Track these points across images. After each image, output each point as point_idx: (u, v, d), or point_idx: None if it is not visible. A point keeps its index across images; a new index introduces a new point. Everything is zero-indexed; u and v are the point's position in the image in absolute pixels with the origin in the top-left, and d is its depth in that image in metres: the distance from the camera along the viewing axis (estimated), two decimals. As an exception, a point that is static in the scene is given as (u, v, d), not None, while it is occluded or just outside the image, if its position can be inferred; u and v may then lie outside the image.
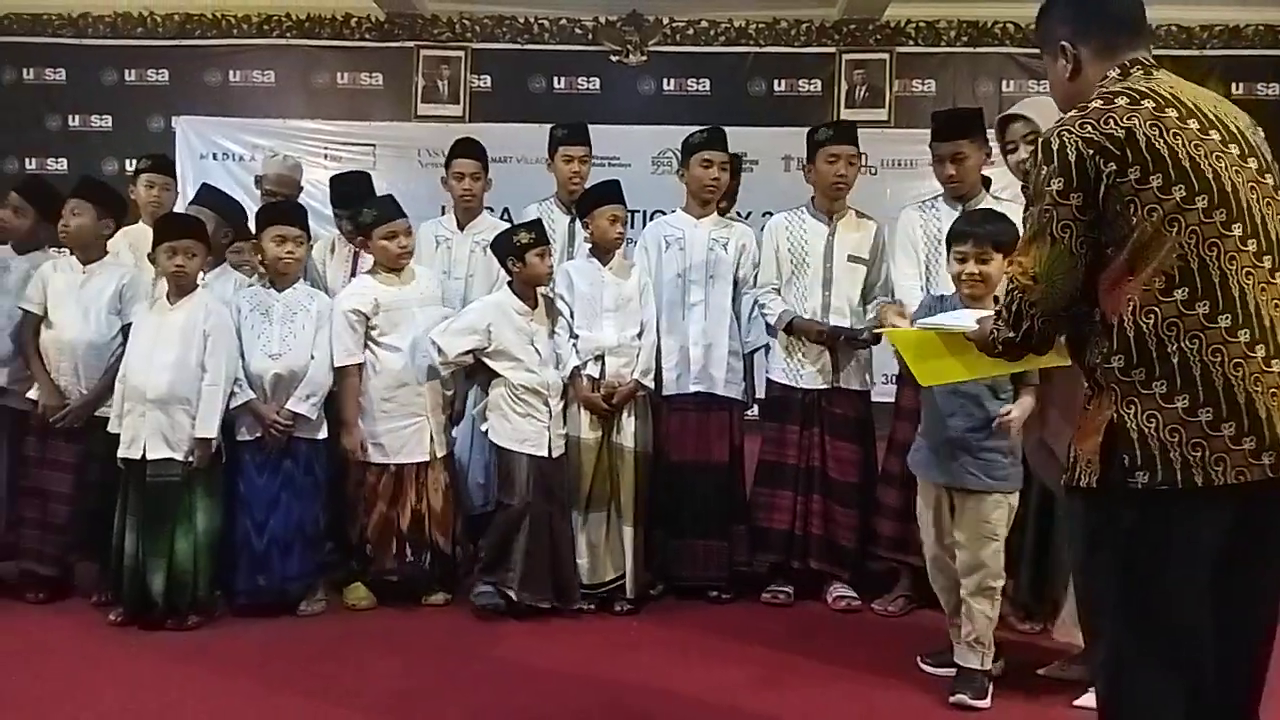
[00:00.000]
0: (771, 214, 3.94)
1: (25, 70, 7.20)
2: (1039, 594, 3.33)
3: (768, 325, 3.73)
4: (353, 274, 3.93)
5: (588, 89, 7.10)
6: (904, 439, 3.29)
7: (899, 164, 6.53)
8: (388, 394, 3.52)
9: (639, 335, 3.59)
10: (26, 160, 7.11)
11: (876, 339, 3.51)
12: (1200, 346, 1.59)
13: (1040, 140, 1.73)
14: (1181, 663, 1.62)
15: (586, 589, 3.52)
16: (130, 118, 7.12)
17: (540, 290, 3.60)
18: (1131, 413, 1.62)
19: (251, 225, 3.82)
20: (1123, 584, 1.65)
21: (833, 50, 7.05)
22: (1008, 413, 2.74)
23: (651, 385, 3.62)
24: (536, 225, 3.61)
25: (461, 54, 7.14)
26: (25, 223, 3.71)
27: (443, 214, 4.34)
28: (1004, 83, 6.93)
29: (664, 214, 4.12)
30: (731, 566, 3.68)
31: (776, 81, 7.08)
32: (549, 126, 4.13)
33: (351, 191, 4.00)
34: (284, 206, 3.80)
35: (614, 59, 7.09)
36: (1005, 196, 3.60)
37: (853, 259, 3.67)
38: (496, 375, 3.50)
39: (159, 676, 2.92)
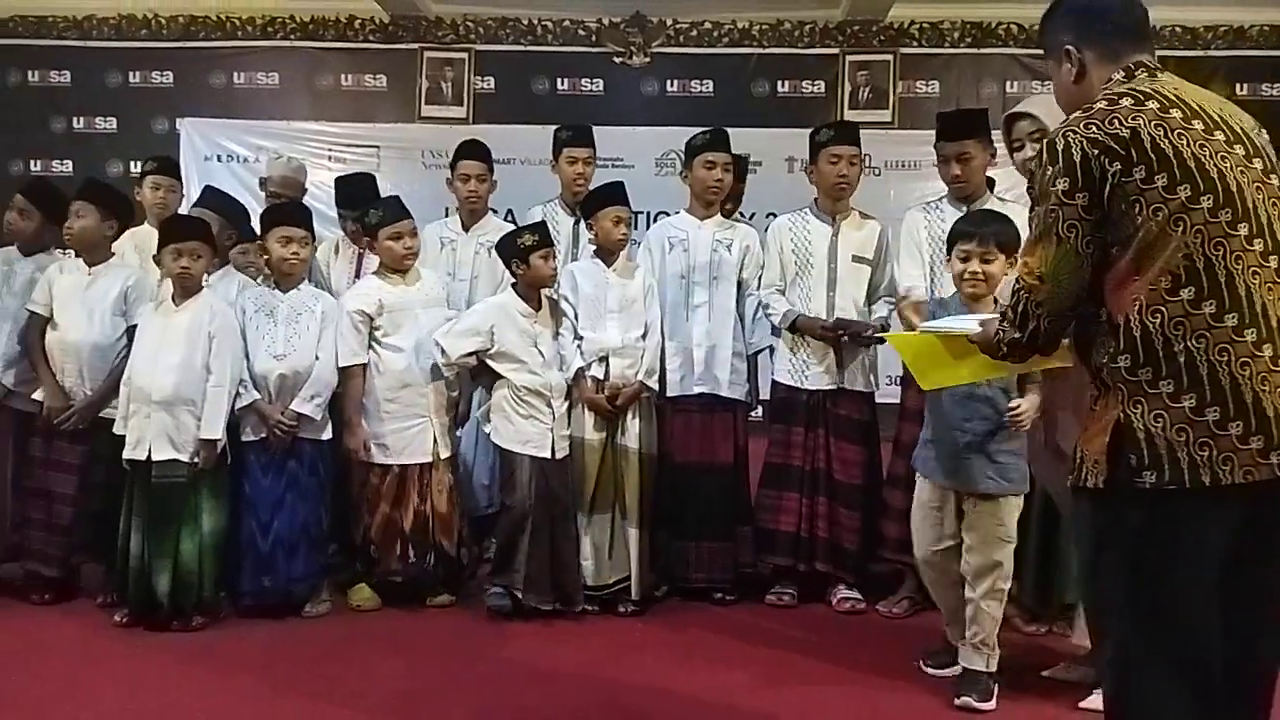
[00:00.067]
0: (775, 215, 3.94)
1: (30, 72, 7.22)
2: (1044, 596, 3.34)
3: (773, 326, 3.73)
4: (357, 275, 3.94)
5: (591, 90, 7.10)
6: (909, 440, 3.29)
7: (902, 165, 6.53)
8: (391, 395, 3.52)
9: (643, 336, 3.59)
10: (31, 162, 7.12)
11: (880, 339, 3.52)
12: (1207, 345, 1.59)
13: (1045, 141, 1.74)
14: (1189, 663, 1.62)
15: (591, 591, 3.52)
16: (135, 120, 7.13)
17: (544, 292, 3.60)
18: (1138, 412, 1.62)
19: (256, 226, 3.83)
20: (1130, 584, 1.65)
21: (836, 51, 7.05)
22: (1017, 406, 2.74)
23: (656, 387, 3.62)
24: (541, 227, 3.62)
25: (465, 56, 7.15)
26: (31, 225, 3.72)
27: (447, 215, 4.36)
28: (1008, 84, 6.92)
29: (668, 215, 4.14)
30: (736, 568, 3.68)
31: (780, 83, 7.07)
32: (553, 128, 4.14)
33: (356, 193, 4.01)
34: (289, 207, 3.81)
35: (617, 60, 7.09)
36: (1009, 197, 3.60)
37: (857, 259, 3.67)
38: (500, 377, 3.50)
39: (163, 677, 2.92)
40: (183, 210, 3.97)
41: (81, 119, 7.18)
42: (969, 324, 2.07)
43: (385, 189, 4.14)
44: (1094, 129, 1.65)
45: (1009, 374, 2.66)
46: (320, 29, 7.15)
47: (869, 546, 3.64)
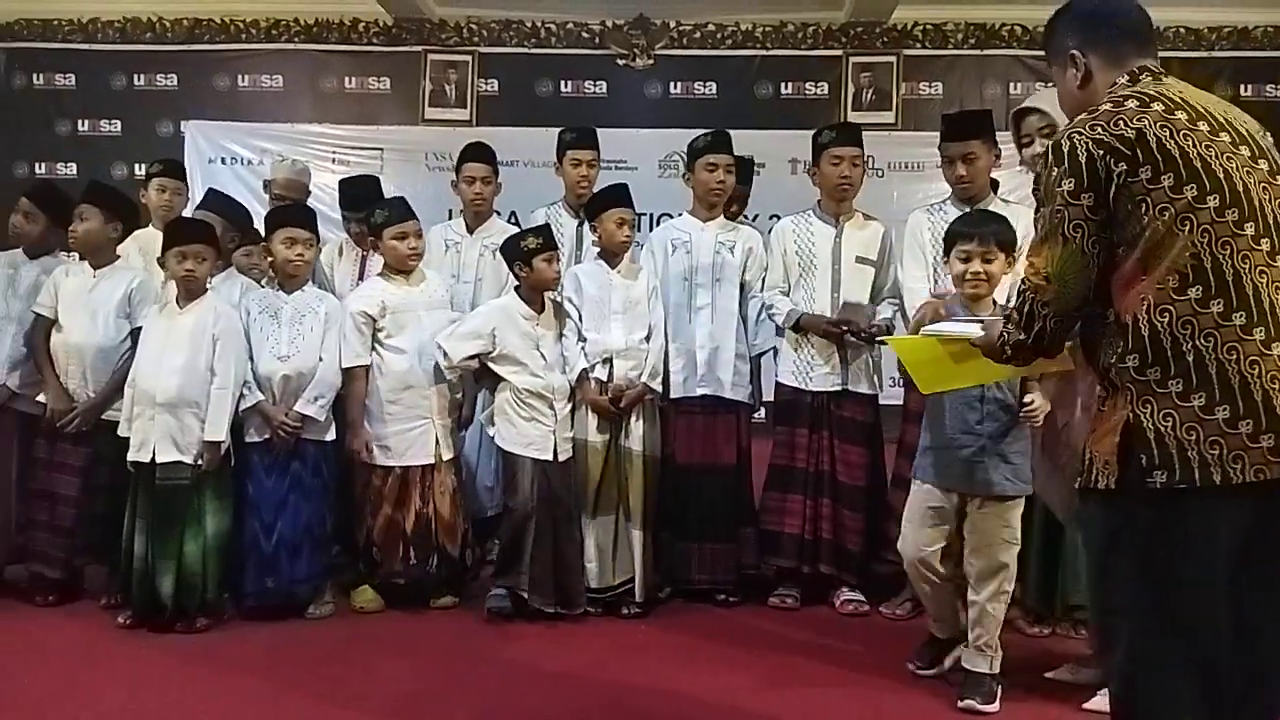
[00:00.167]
0: (778, 217, 3.95)
1: (35, 75, 7.25)
2: (1047, 598, 3.33)
3: (777, 326, 3.73)
4: (360, 277, 3.95)
5: (594, 93, 7.12)
6: (913, 442, 3.27)
7: (906, 166, 6.53)
8: (393, 396, 3.53)
9: (647, 338, 3.59)
10: (36, 165, 7.15)
11: (882, 341, 3.52)
12: (1215, 344, 1.59)
13: (1051, 143, 1.75)
14: (1198, 664, 1.61)
15: (595, 593, 3.52)
16: (139, 123, 7.16)
17: (548, 294, 3.61)
18: (1148, 412, 1.62)
19: (259, 229, 3.84)
20: (1140, 585, 1.65)
21: (839, 53, 7.05)
22: (1031, 402, 2.73)
23: (659, 389, 3.62)
24: (544, 230, 3.62)
25: (469, 58, 7.17)
26: (36, 228, 3.72)
27: (450, 218, 4.36)
28: (1011, 85, 6.92)
29: (671, 217, 4.13)
30: (739, 570, 3.68)
31: (783, 85, 7.08)
32: (556, 130, 4.14)
33: (360, 195, 4.01)
34: (293, 209, 3.82)
35: (621, 63, 7.10)
36: (1013, 199, 3.60)
37: (860, 260, 3.67)
38: (502, 379, 3.50)
39: (166, 679, 2.93)
40: (186, 213, 3.97)
41: (86, 122, 7.21)
42: (970, 327, 2.06)
43: (389, 191, 4.15)
44: (1099, 130, 1.66)
45: (1009, 378, 2.65)
46: (324, 32, 7.17)
47: (872, 548, 3.63)
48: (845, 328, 3.55)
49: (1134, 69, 1.78)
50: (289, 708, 2.75)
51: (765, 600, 3.65)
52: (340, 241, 4.12)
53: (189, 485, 3.29)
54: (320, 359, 3.49)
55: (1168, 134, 1.64)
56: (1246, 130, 1.72)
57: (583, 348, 3.55)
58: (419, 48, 7.17)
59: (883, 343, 3.53)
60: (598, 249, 3.70)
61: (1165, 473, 1.60)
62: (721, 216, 3.83)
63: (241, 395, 3.38)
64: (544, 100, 7.07)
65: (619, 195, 3.63)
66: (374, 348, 3.56)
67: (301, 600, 3.45)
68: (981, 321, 2.08)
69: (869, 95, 7.03)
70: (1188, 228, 1.61)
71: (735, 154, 3.86)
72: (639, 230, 3.84)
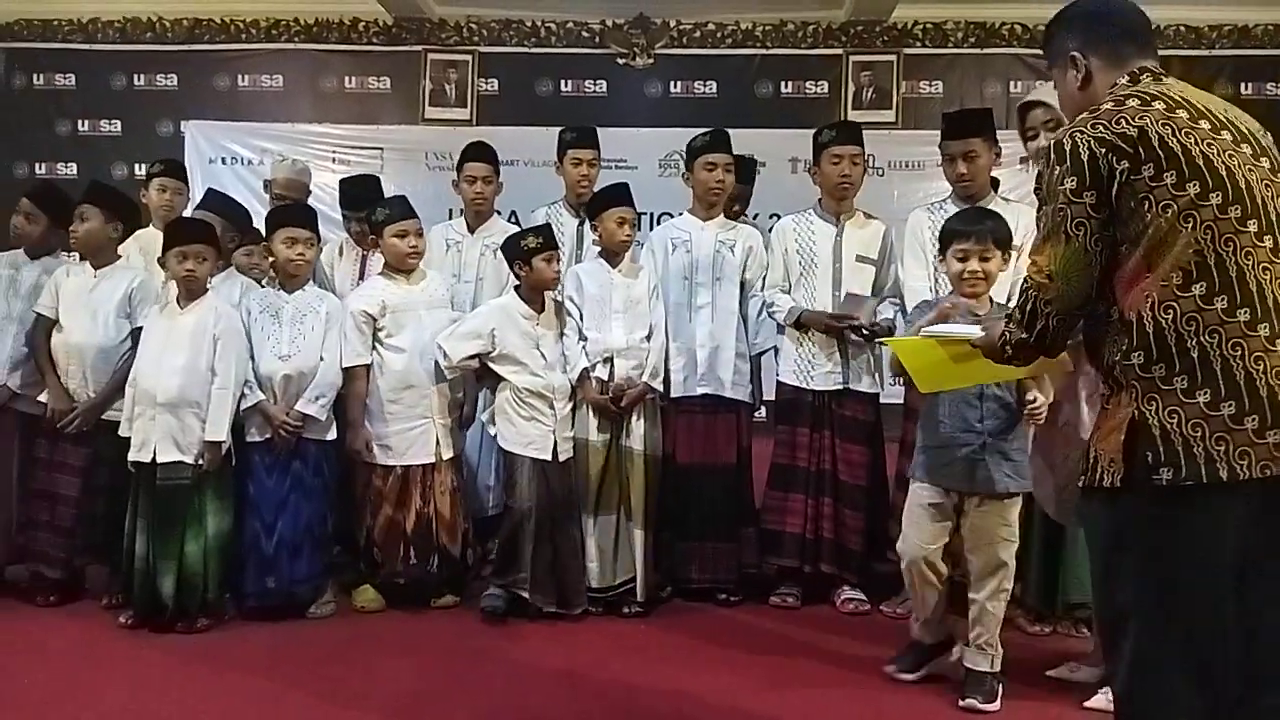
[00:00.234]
0: (779, 216, 3.95)
1: (35, 75, 7.25)
2: (1048, 597, 3.34)
3: (778, 325, 3.73)
4: (360, 277, 3.95)
5: (595, 92, 7.12)
6: (914, 441, 3.28)
7: (906, 165, 6.53)
8: (394, 395, 3.53)
9: (648, 337, 3.59)
10: (36, 165, 7.15)
11: (882, 340, 3.51)
12: (1220, 340, 1.60)
13: (1052, 142, 1.75)
14: (1203, 663, 1.61)
15: (596, 592, 3.52)
16: (139, 123, 7.16)
17: (548, 294, 3.61)
18: (1153, 409, 1.63)
19: (260, 228, 3.84)
20: (1146, 584, 1.65)
21: (839, 52, 7.05)
22: (1034, 399, 2.73)
23: (660, 388, 3.62)
24: (545, 230, 3.62)
25: (469, 58, 7.16)
26: (37, 229, 3.73)
27: (450, 217, 4.36)
28: (1011, 84, 6.91)
29: (671, 216, 4.14)
30: (740, 569, 3.67)
31: (783, 84, 7.08)
32: (556, 130, 4.14)
33: (361, 194, 4.01)
34: (294, 209, 3.82)
35: (621, 62, 7.10)
36: (1013, 197, 3.60)
37: (861, 259, 3.67)
38: (502, 379, 3.50)
39: (167, 678, 2.93)
40: (186, 213, 3.97)
41: (86, 122, 7.21)
42: (970, 328, 2.07)
43: (389, 191, 4.15)
44: (1100, 129, 1.67)
45: (1008, 379, 2.65)
46: (324, 31, 7.17)
47: (873, 547, 3.63)
48: (846, 323, 3.55)
49: (1134, 69, 1.79)
50: (290, 708, 2.75)
51: (766, 599, 3.65)
52: (340, 241, 4.12)
53: (190, 485, 3.29)
54: (321, 358, 3.49)
55: (1170, 131, 1.65)
56: (1247, 129, 1.73)
57: (584, 347, 3.55)
58: (419, 47, 7.17)
59: (882, 343, 3.53)
60: (598, 248, 3.69)
61: (1171, 469, 1.60)
62: (722, 215, 3.83)
63: (243, 395, 3.38)
64: (544, 99, 7.07)
65: (620, 194, 3.63)
66: (374, 347, 3.56)
67: (302, 600, 3.45)
68: (981, 322, 2.08)
69: (869, 94, 7.03)
70: (1191, 224, 1.62)
71: (737, 153, 3.86)
72: (639, 229, 3.83)
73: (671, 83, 7.10)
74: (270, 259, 3.61)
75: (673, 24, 7.07)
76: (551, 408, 3.48)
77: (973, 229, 2.82)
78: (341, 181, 4.30)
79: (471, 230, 4.07)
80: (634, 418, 3.56)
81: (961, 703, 2.76)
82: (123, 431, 3.35)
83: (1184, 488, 1.59)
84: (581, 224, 3.95)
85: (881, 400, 3.74)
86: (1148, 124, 1.65)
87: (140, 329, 3.48)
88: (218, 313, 3.40)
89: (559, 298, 3.66)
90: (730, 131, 3.83)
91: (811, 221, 3.73)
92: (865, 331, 3.55)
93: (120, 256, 3.71)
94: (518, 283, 3.59)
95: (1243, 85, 6.77)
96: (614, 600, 3.53)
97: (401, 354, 3.54)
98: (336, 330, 3.53)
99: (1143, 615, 1.65)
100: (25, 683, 2.87)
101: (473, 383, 3.70)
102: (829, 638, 3.35)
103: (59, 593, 3.53)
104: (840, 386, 3.62)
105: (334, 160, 6.76)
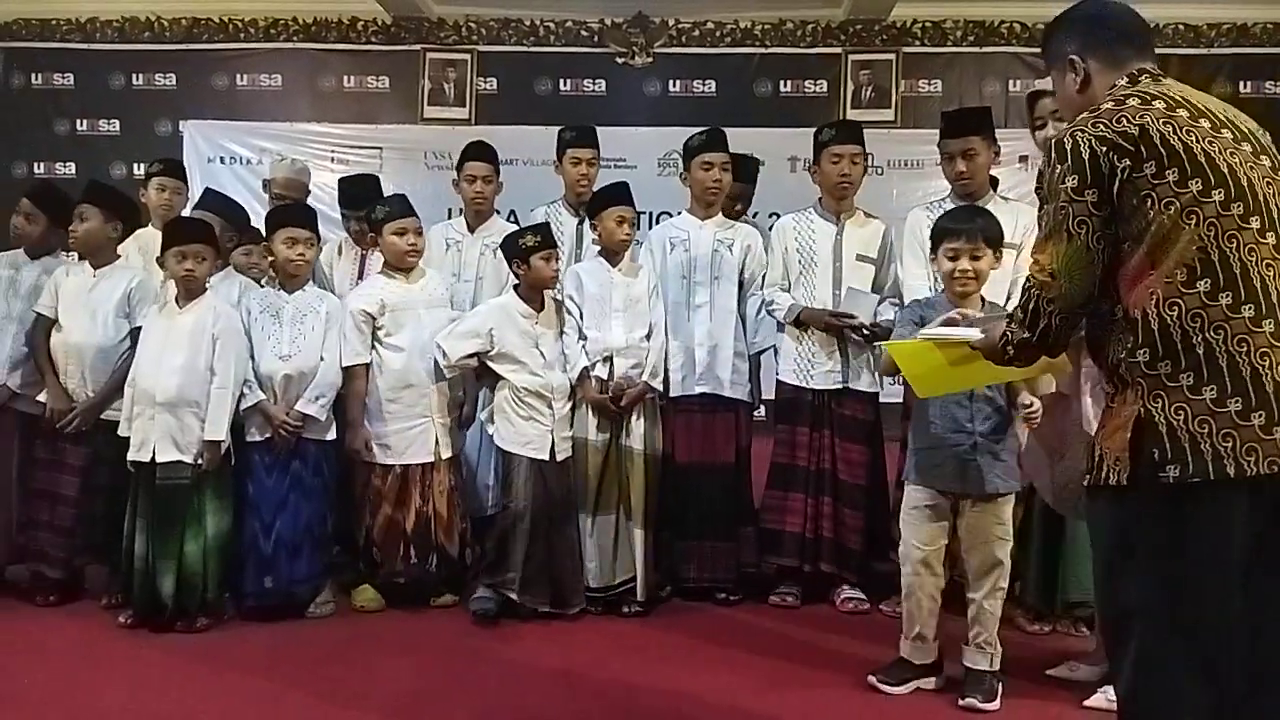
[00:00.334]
0: (778, 215, 3.95)
1: (33, 75, 7.25)
2: (1048, 596, 3.34)
3: (778, 324, 3.73)
4: (360, 276, 3.95)
5: (593, 91, 7.11)
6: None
7: (905, 164, 6.53)
8: (393, 395, 3.53)
9: (647, 336, 3.59)
10: (34, 165, 7.15)
11: (879, 344, 3.51)
12: (1225, 337, 1.60)
13: (1053, 141, 1.76)
14: (1209, 661, 1.61)
15: (596, 592, 3.52)
16: (138, 122, 7.16)
17: (547, 292, 3.60)
18: (1159, 406, 1.63)
19: (258, 227, 3.84)
20: (1153, 582, 1.65)
21: (838, 51, 7.05)
22: (1030, 404, 2.73)
23: (660, 388, 3.62)
24: (543, 228, 3.62)
25: (468, 57, 7.16)
26: (37, 229, 3.72)
27: (449, 216, 4.36)
28: (1010, 82, 6.92)
29: (671, 216, 4.14)
30: (739, 568, 3.67)
31: (782, 82, 7.08)
32: (555, 129, 4.14)
33: (360, 193, 4.01)
34: (294, 209, 3.82)
35: (619, 61, 7.10)
36: (1013, 196, 3.60)
37: (861, 258, 3.67)
38: (501, 378, 3.50)
39: (166, 678, 2.93)
40: (184, 212, 3.96)
41: (85, 121, 7.21)
42: (969, 331, 2.06)
43: (388, 190, 4.15)
44: (1101, 127, 1.67)
45: (1007, 380, 2.63)
46: (323, 31, 7.17)
47: (873, 547, 3.63)
48: (846, 322, 3.55)
49: (1133, 71, 1.80)
50: (289, 707, 2.75)
51: (765, 599, 3.65)
52: (339, 241, 4.11)
53: (189, 485, 3.29)
54: (321, 359, 3.49)
55: (1171, 129, 1.65)
56: (1247, 128, 1.75)
57: (583, 346, 3.55)
58: (418, 46, 7.17)
59: (879, 346, 3.53)
60: (598, 247, 3.69)
61: (1178, 466, 1.60)
62: (720, 214, 3.83)
63: (243, 395, 3.38)
64: (543, 98, 7.07)
65: (619, 193, 3.63)
66: (373, 346, 3.56)
67: (301, 600, 3.45)
68: (980, 324, 2.07)
69: (868, 93, 7.03)
70: (1194, 221, 1.62)
71: (738, 152, 3.86)
72: (639, 229, 3.84)
73: (670, 81, 7.10)
74: (270, 259, 3.61)
75: (671, 23, 7.07)
76: (550, 407, 3.48)
77: (963, 227, 2.81)
78: (341, 180, 4.30)
79: (471, 230, 4.07)
80: (634, 417, 3.56)
81: (961, 702, 2.76)
82: (122, 431, 3.35)
83: (1191, 485, 1.60)
84: (581, 223, 3.96)
85: (881, 399, 3.73)
86: (1149, 122, 1.66)
87: (139, 329, 3.48)
88: (217, 312, 3.40)
89: (558, 296, 3.66)
90: (729, 130, 3.84)
91: (812, 220, 3.73)
92: (865, 332, 3.55)
93: (120, 256, 3.71)
94: (517, 282, 3.59)
95: (1241, 84, 6.77)
96: (614, 600, 3.53)
97: (400, 353, 3.54)
98: (337, 330, 3.53)
99: (1148, 613, 1.65)
100: (25, 683, 2.87)
101: (473, 382, 3.70)
102: (828, 637, 3.35)
103: (59, 592, 3.53)
104: (840, 385, 3.62)
105: (333, 160, 6.76)
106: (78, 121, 7.20)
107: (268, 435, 3.43)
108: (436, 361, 3.51)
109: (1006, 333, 1.84)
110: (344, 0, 7.09)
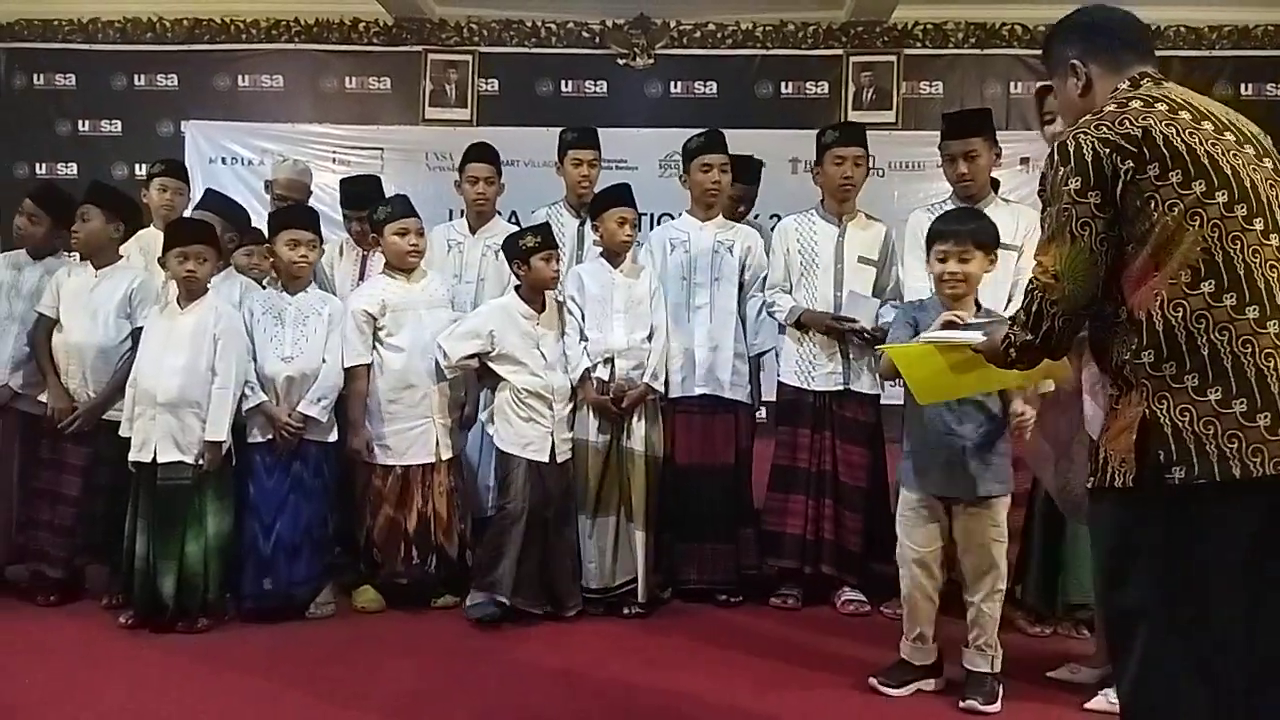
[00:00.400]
0: (779, 216, 3.95)
1: (35, 75, 7.24)
2: (1048, 598, 3.33)
3: (779, 325, 3.73)
4: (361, 277, 3.95)
5: (595, 92, 7.11)
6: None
7: (907, 166, 6.53)
8: (393, 395, 3.53)
9: (649, 338, 3.59)
10: (36, 165, 7.14)
11: (880, 349, 3.51)
12: (1230, 338, 1.61)
13: (1056, 143, 1.77)
14: (1211, 664, 1.61)
15: (596, 593, 3.52)
16: (140, 123, 7.15)
17: (548, 293, 3.61)
18: (1164, 408, 1.63)
19: (259, 228, 3.84)
20: (1157, 584, 1.65)
21: (840, 53, 7.05)
22: (1023, 412, 2.73)
23: (662, 389, 3.62)
24: (544, 229, 3.62)
25: (469, 58, 7.16)
26: (40, 230, 3.73)
27: (451, 218, 4.37)
28: (1012, 84, 6.91)
29: (671, 217, 4.14)
30: (739, 570, 3.67)
31: (783, 84, 7.07)
32: (557, 130, 4.14)
33: (361, 194, 4.01)
34: (297, 210, 3.82)
35: (621, 62, 7.09)
36: (1014, 198, 3.60)
37: (863, 260, 3.67)
38: (502, 379, 3.50)
39: (167, 678, 2.93)
40: (186, 213, 3.97)
41: (86, 122, 7.20)
42: (971, 334, 2.06)
43: (389, 191, 4.15)
44: (1104, 129, 1.68)
45: (1009, 385, 2.62)
46: (324, 32, 7.16)
47: (874, 548, 3.63)
48: (847, 325, 3.55)
49: (1134, 75, 1.81)
50: (289, 708, 2.75)
51: (766, 600, 3.65)
52: (341, 241, 4.12)
53: (190, 485, 3.29)
54: (324, 360, 3.49)
55: (1174, 131, 1.66)
56: (1249, 131, 1.75)
57: (585, 347, 3.55)
58: (419, 47, 7.17)
59: (880, 350, 3.52)
60: (599, 248, 3.69)
61: (1184, 468, 1.60)
62: (720, 216, 3.84)
63: (244, 396, 3.39)
64: (544, 100, 7.07)
65: (621, 195, 3.63)
66: (374, 346, 3.56)
67: (300, 601, 3.45)
68: (982, 328, 2.07)
69: (869, 95, 7.02)
70: (1198, 222, 1.63)
71: (741, 154, 3.86)
72: (640, 230, 3.84)
73: (672, 83, 7.09)
74: (272, 260, 3.61)
75: (673, 24, 7.07)
76: (550, 408, 3.48)
77: (953, 230, 2.80)
78: (342, 181, 4.30)
79: (473, 231, 4.07)
80: (634, 418, 3.56)
81: (962, 704, 2.76)
82: (123, 431, 3.35)
83: (1196, 487, 1.59)
84: (582, 224, 3.96)
85: (882, 401, 3.73)
86: (1151, 124, 1.66)
87: (140, 329, 3.48)
88: (218, 313, 3.40)
89: (559, 298, 3.66)
90: (730, 132, 3.84)
91: (813, 222, 3.73)
92: (867, 335, 3.55)
93: (122, 256, 3.71)
94: (518, 283, 3.59)
95: (1243, 86, 6.77)
96: (614, 601, 3.53)
97: (401, 353, 3.54)
98: (339, 332, 3.53)
99: (1152, 615, 1.65)
100: (25, 683, 2.87)
101: (474, 383, 3.70)
102: (829, 639, 3.35)
103: (59, 592, 3.53)
104: (841, 387, 3.62)
105: (334, 160, 6.75)
106: (79, 122, 7.20)
107: (269, 436, 3.43)
108: (437, 362, 3.51)
109: (1009, 335, 1.84)
110: (346, 1, 7.08)
